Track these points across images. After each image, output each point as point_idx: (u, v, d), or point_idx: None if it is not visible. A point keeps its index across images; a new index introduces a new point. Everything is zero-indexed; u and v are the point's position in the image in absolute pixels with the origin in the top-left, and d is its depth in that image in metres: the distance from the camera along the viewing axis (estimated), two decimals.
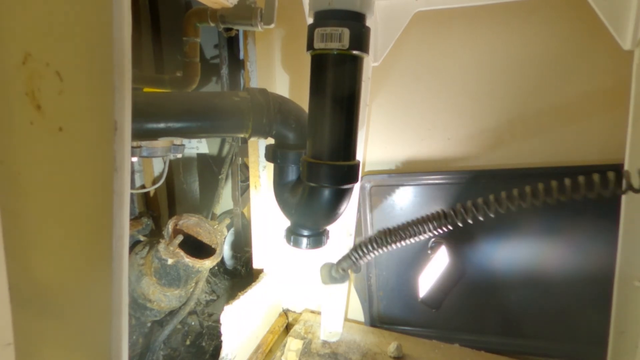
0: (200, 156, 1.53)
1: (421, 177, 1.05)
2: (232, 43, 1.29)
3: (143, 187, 1.33)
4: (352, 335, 1.12)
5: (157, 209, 1.43)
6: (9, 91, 0.25)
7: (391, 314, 1.15)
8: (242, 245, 1.44)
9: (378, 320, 1.16)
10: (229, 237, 1.43)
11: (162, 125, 0.61)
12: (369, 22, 0.50)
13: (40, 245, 0.29)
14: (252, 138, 0.69)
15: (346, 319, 1.18)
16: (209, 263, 0.97)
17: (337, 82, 0.50)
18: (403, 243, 0.54)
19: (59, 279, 0.31)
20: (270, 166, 0.95)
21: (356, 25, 0.47)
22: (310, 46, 0.49)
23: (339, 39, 0.47)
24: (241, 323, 1.00)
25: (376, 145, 1.09)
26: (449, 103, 1.00)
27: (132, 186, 1.26)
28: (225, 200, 1.41)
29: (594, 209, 0.92)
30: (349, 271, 0.81)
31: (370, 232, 1.12)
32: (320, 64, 0.50)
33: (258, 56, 1.13)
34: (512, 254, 0.99)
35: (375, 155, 1.09)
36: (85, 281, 0.32)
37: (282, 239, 0.66)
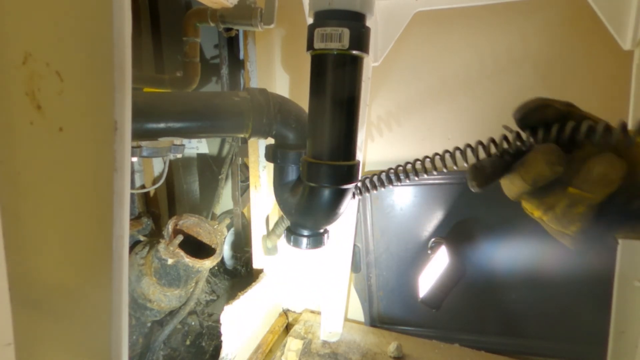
0: (200, 156, 1.53)
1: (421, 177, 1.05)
2: (232, 43, 1.29)
3: (143, 187, 1.33)
4: (352, 335, 1.12)
5: (157, 209, 1.43)
6: (9, 91, 0.25)
7: (391, 314, 1.15)
8: (242, 245, 1.44)
9: (378, 320, 1.16)
10: (229, 237, 1.43)
11: (162, 125, 0.61)
12: (369, 22, 0.50)
13: (41, 245, 0.29)
14: (252, 138, 0.69)
15: (346, 319, 1.18)
16: (209, 263, 0.97)
17: (337, 82, 0.50)
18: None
19: (59, 279, 0.31)
20: (270, 166, 0.95)
21: (356, 25, 0.47)
22: (310, 46, 0.49)
23: (339, 39, 0.47)
24: (241, 323, 1.00)
25: (376, 145, 1.09)
26: (449, 103, 1.00)
27: (132, 186, 1.25)
28: (225, 200, 1.41)
29: None
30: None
31: (370, 232, 1.12)
32: (320, 64, 0.50)
33: (258, 56, 1.13)
34: (512, 254, 0.99)
35: (375, 155, 1.09)
36: (86, 281, 0.32)
37: (282, 239, 0.66)
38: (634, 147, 0.31)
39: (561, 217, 0.33)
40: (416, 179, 0.50)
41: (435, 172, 0.43)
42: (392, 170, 0.51)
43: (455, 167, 0.43)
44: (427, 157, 0.47)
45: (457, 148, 0.42)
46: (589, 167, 0.30)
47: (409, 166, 0.49)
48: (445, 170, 0.44)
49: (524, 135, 0.35)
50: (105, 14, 0.30)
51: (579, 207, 0.31)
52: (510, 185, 0.36)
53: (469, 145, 0.40)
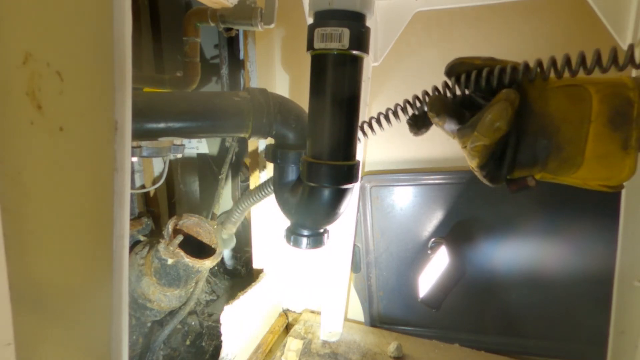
0: (200, 156, 1.53)
1: (421, 177, 1.05)
2: (232, 43, 1.29)
3: (143, 187, 1.33)
4: (352, 335, 1.12)
5: (157, 209, 1.43)
6: (10, 91, 0.25)
7: (391, 314, 1.15)
8: (242, 245, 1.44)
9: (378, 320, 1.16)
10: None
11: (162, 125, 0.61)
12: (369, 22, 0.50)
13: (41, 245, 0.29)
14: (252, 138, 0.69)
15: (346, 319, 1.18)
16: (209, 263, 0.97)
17: (337, 82, 0.50)
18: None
19: (60, 279, 0.31)
20: (270, 166, 0.95)
21: (356, 25, 0.47)
22: (310, 46, 0.49)
23: (339, 39, 0.47)
24: (241, 323, 1.00)
25: (376, 145, 1.09)
26: None
27: (132, 186, 1.25)
28: (225, 200, 1.41)
29: (594, 208, 0.92)
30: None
31: (370, 232, 1.12)
32: (320, 64, 0.50)
33: (258, 56, 1.13)
34: (512, 253, 0.99)
35: (375, 155, 1.09)
36: (86, 281, 0.32)
37: (282, 239, 0.66)
38: (547, 91, 0.37)
39: (467, 153, 0.38)
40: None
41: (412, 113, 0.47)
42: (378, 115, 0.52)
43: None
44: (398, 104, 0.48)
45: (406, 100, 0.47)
46: (483, 115, 0.35)
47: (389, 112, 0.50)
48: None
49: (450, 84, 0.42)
50: (105, 14, 0.30)
51: (477, 146, 0.36)
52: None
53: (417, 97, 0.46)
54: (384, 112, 0.49)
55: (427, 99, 0.43)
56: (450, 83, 0.42)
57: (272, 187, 0.73)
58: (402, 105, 0.47)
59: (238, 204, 0.89)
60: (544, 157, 0.36)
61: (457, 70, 0.40)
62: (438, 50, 0.99)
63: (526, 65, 0.36)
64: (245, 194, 0.86)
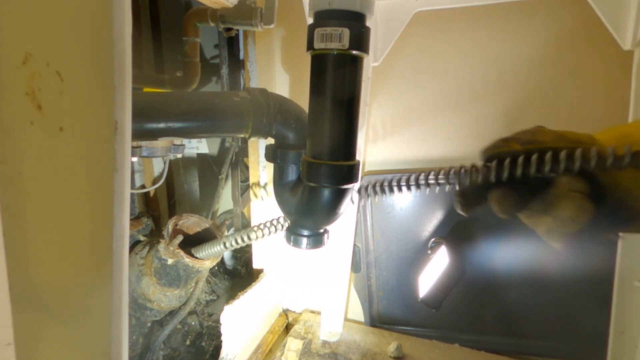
0: (200, 156, 1.53)
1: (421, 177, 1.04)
2: (232, 43, 1.29)
3: (143, 187, 1.33)
4: (352, 335, 1.12)
5: (157, 209, 1.43)
6: (10, 91, 0.25)
7: (391, 314, 1.15)
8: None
9: (378, 320, 1.16)
10: None
11: (162, 125, 0.61)
12: (369, 22, 0.50)
13: (41, 245, 0.29)
14: (252, 138, 0.69)
15: (346, 319, 1.18)
16: (209, 263, 0.97)
17: (337, 82, 0.50)
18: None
19: (60, 279, 0.31)
20: (270, 166, 0.95)
21: (356, 25, 0.47)
22: (310, 46, 0.49)
23: (339, 39, 0.47)
24: (241, 323, 1.00)
25: (376, 145, 1.09)
26: (449, 103, 1.00)
27: (132, 186, 1.25)
28: (225, 200, 1.41)
29: None
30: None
31: (370, 232, 1.12)
32: (320, 64, 0.50)
33: (258, 56, 1.13)
34: (512, 253, 0.99)
35: (375, 155, 1.09)
36: (86, 281, 0.32)
37: (282, 239, 0.66)
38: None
39: (545, 235, 0.36)
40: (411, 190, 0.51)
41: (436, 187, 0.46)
42: (394, 180, 0.52)
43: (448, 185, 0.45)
44: (422, 172, 0.48)
45: (445, 171, 0.45)
46: (559, 210, 0.34)
47: (411, 178, 0.49)
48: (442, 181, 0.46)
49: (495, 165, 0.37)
50: (105, 14, 0.30)
51: (556, 233, 0.35)
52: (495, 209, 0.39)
53: (454, 168, 0.43)
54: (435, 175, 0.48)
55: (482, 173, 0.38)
56: (496, 167, 0.37)
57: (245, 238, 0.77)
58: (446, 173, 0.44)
59: (215, 244, 0.87)
60: (626, 225, 0.37)
61: (499, 156, 0.37)
62: (438, 50, 0.99)
63: (599, 154, 0.32)
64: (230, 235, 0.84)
